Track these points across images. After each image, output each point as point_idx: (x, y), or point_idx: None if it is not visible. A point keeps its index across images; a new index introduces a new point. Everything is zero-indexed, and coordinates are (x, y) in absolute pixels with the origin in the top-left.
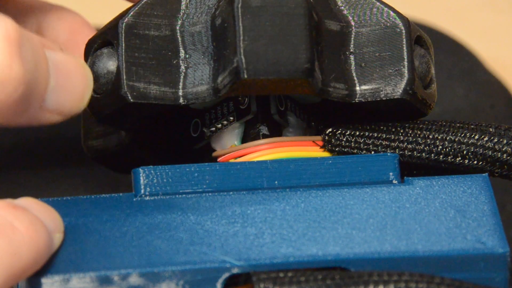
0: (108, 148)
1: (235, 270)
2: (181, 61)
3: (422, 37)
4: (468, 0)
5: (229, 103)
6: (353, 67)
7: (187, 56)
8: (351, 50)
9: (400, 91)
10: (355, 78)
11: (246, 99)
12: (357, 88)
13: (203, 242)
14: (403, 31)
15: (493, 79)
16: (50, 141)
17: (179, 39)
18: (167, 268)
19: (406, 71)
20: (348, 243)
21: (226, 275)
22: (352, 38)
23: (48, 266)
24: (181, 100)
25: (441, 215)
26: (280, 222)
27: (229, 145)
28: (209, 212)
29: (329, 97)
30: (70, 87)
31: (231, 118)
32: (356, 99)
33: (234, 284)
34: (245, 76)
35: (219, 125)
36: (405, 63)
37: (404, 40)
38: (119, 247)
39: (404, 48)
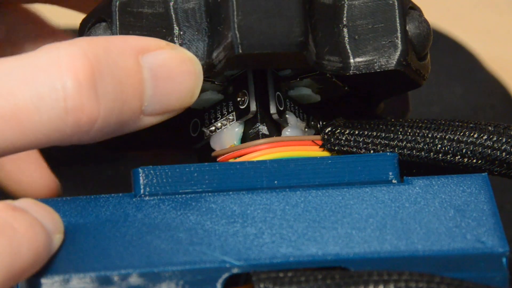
0: None
1: (235, 270)
2: (175, 38)
3: (414, 8)
4: (468, 0)
5: (229, 102)
6: (346, 39)
7: (181, 32)
8: (344, 23)
9: (394, 63)
10: (349, 51)
11: (246, 99)
12: (351, 60)
13: (202, 242)
14: (396, 3)
15: (492, 79)
16: None
17: (173, 16)
18: (167, 268)
19: (399, 43)
20: (348, 243)
21: (226, 275)
22: (345, 11)
23: (48, 266)
24: None
25: (441, 215)
26: (279, 222)
27: (229, 144)
28: (209, 212)
29: (324, 70)
30: (174, 88)
31: (231, 117)
32: (351, 71)
33: (234, 284)
34: (240, 51)
35: (219, 125)
36: (398, 34)
37: (397, 11)
38: (119, 247)
39: (397, 19)
